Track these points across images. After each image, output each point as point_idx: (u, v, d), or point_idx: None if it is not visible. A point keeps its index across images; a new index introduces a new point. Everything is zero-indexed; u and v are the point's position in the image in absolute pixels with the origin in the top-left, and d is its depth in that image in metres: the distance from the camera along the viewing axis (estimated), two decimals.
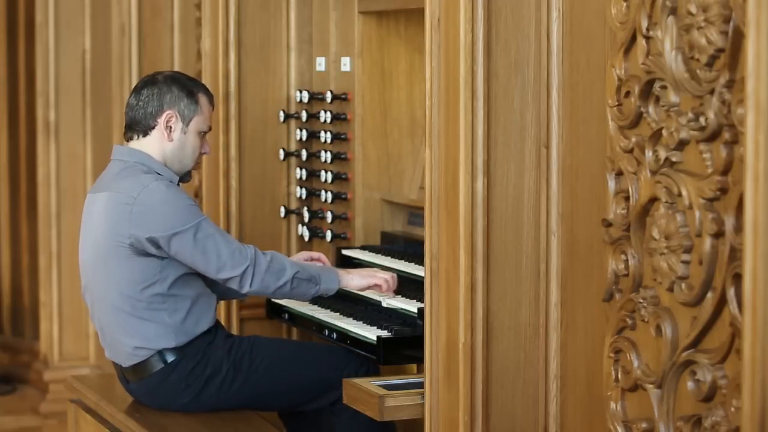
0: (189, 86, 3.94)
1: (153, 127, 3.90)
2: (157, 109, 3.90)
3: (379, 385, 3.40)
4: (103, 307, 3.87)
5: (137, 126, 3.92)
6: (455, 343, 3.04)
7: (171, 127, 3.90)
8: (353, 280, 3.92)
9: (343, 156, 4.42)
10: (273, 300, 4.27)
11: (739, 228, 2.34)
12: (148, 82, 3.96)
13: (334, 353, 3.92)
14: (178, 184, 3.92)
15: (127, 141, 3.96)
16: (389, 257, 4.18)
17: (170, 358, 3.82)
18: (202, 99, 3.96)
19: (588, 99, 2.83)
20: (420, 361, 3.45)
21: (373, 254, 4.26)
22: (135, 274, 3.77)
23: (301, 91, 4.58)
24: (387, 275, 3.93)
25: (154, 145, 3.91)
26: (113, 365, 4.00)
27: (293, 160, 4.64)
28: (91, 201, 3.92)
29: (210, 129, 4.03)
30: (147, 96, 3.91)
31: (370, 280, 3.92)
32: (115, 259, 3.78)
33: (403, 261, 4.11)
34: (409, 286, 3.97)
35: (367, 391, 3.38)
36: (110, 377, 4.99)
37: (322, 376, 3.87)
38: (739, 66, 2.34)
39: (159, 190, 3.76)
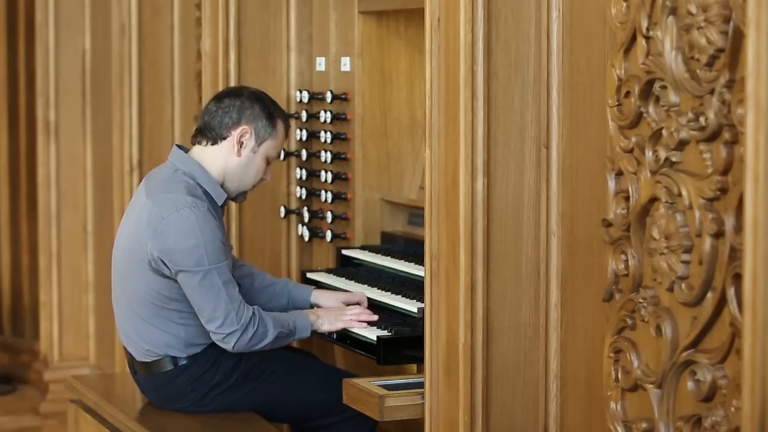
0: (271, 108, 3.89)
1: (225, 138, 3.85)
2: (235, 122, 3.84)
3: (379, 385, 3.40)
4: (122, 306, 3.87)
5: (209, 132, 3.86)
6: (455, 343, 3.04)
7: (242, 143, 3.84)
8: (323, 326, 3.87)
9: (343, 156, 4.42)
10: None
11: (739, 228, 2.34)
12: (232, 93, 3.92)
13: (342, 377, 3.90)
14: (224, 204, 3.87)
15: (193, 144, 3.92)
16: (389, 257, 4.18)
17: (182, 361, 3.82)
18: (280, 125, 3.91)
19: (588, 99, 2.83)
20: (420, 361, 3.45)
21: (373, 254, 4.26)
22: (152, 289, 3.76)
23: (301, 91, 4.58)
24: (355, 310, 3.87)
25: (218, 156, 3.85)
26: (124, 351, 3.98)
27: (293, 160, 4.64)
28: (138, 195, 3.87)
29: (278, 157, 4.00)
30: (228, 106, 3.86)
31: (338, 324, 3.86)
32: (138, 268, 3.76)
33: (403, 261, 4.11)
34: (409, 286, 3.97)
35: (367, 391, 3.38)
36: (110, 377, 5.00)
37: (326, 398, 3.85)
38: (739, 66, 2.34)
39: (188, 219, 3.67)
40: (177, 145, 3.96)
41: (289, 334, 3.81)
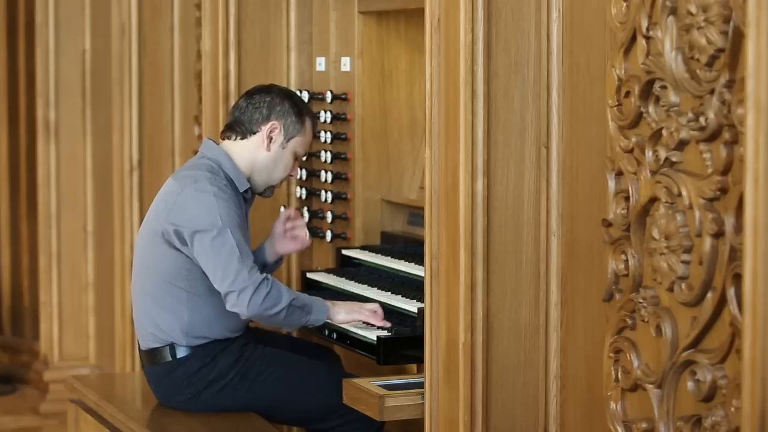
0: (300, 106, 3.98)
1: (255, 133, 3.93)
2: (265, 117, 3.93)
3: (379, 385, 3.40)
4: (136, 286, 3.94)
5: (239, 127, 3.94)
6: (455, 343, 3.04)
7: (272, 138, 3.92)
8: (338, 314, 3.85)
9: (343, 156, 4.43)
10: None
11: (739, 228, 2.34)
12: (262, 89, 3.99)
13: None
14: (248, 195, 3.92)
15: (222, 140, 3.99)
16: (389, 257, 4.18)
17: (180, 353, 3.85)
18: (308, 123, 3.99)
19: (588, 99, 2.83)
20: (420, 361, 3.45)
21: (373, 254, 4.26)
22: (164, 264, 3.82)
23: (301, 91, 4.58)
24: (372, 308, 3.84)
25: (248, 149, 3.93)
26: (137, 346, 4.06)
27: None
28: (167, 181, 3.97)
29: (306, 155, 4.06)
30: (258, 102, 3.94)
31: (355, 315, 3.84)
32: (152, 244, 3.83)
33: (403, 261, 4.11)
34: (409, 286, 3.97)
35: (367, 391, 3.38)
36: (110, 377, 5.00)
37: (326, 402, 3.84)
38: (739, 66, 2.34)
39: (204, 189, 3.76)
40: (209, 138, 4.06)
41: (303, 310, 3.79)
